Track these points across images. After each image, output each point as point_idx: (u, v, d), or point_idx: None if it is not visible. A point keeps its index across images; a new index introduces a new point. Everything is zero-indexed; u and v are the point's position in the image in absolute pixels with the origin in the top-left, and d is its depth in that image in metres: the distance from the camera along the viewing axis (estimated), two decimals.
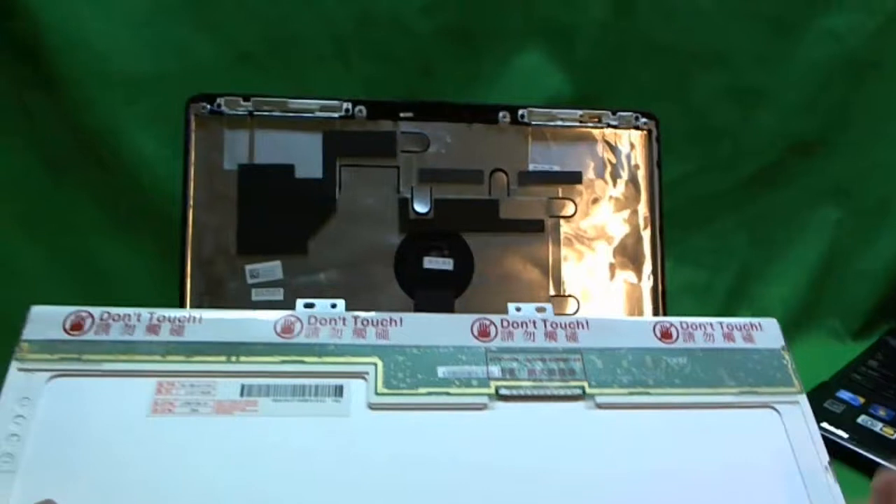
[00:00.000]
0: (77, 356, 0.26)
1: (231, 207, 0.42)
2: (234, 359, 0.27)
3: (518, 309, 0.31)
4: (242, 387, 0.26)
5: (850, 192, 0.61)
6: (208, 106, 0.42)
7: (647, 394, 0.29)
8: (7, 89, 0.46)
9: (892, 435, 0.49)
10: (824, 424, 0.50)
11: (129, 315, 0.27)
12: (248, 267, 0.42)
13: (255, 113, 0.42)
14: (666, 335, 0.31)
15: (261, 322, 0.28)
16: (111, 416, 0.25)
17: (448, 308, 0.44)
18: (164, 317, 0.27)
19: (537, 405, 0.28)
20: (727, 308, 0.60)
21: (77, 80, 0.46)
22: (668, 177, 0.47)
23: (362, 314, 0.29)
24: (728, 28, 0.54)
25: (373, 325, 0.29)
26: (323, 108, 0.43)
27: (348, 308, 0.29)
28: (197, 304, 0.41)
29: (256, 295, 0.42)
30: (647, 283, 0.46)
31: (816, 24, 0.55)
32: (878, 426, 0.50)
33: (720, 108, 0.56)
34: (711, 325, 0.31)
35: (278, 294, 0.42)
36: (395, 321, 0.29)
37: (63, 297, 0.47)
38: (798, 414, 0.29)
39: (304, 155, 0.43)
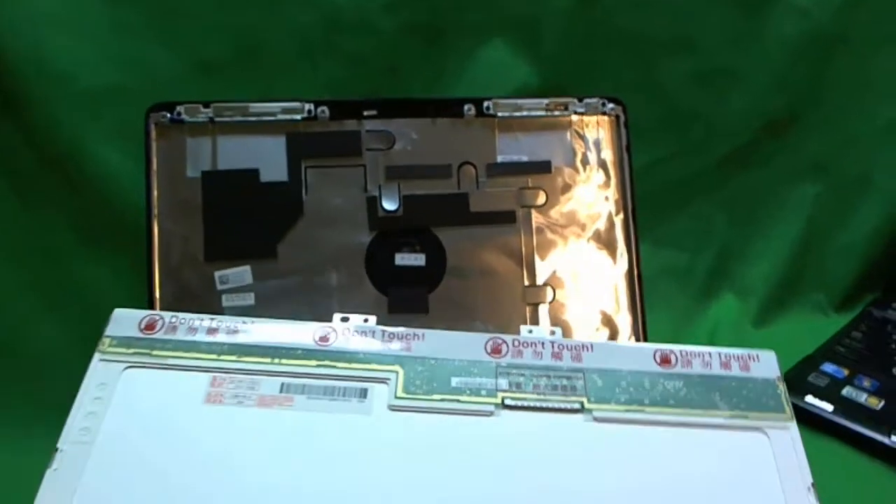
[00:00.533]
0: (148, 351, 0.31)
1: (197, 215, 0.42)
2: (276, 360, 0.31)
3: (530, 331, 0.34)
4: (282, 384, 0.31)
5: (826, 168, 0.60)
6: (168, 115, 0.42)
7: (643, 411, 0.31)
8: None
9: (876, 405, 0.49)
10: (809, 398, 0.50)
11: (193, 319, 0.32)
12: (217, 273, 0.42)
13: (217, 119, 0.42)
14: (665, 361, 0.33)
15: (302, 330, 0.33)
16: (173, 403, 0.30)
17: (422, 304, 0.43)
18: (222, 321, 0.32)
19: (539, 415, 0.31)
20: (708, 289, 0.60)
21: (39, 100, 0.45)
22: (642, 162, 0.47)
23: (389, 329, 0.33)
24: (694, 11, 0.54)
25: (398, 338, 0.33)
26: (285, 111, 0.42)
27: (376, 318, 0.34)
28: None
29: (227, 301, 0.42)
30: (622, 268, 0.46)
31: (782, 1, 0.55)
32: (862, 397, 0.50)
33: (691, 92, 0.56)
34: (710, 353, 0.33)
35: (249, 299, 0.42)
36: (418, 336, 0.33)
37: (36, 317, 0.48)
38: (787, 438, 0.31)
39: (268, 158, 0.42)
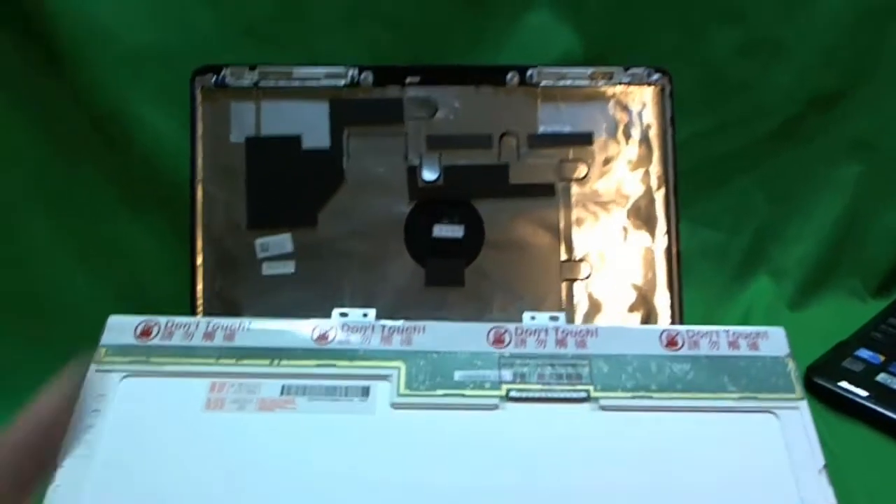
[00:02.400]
0: (145, 359, 0.30)
1: (240, 181, 0.42)
2: (276, 362, 0.30)
3: (532, 318, 0.33)
4: (283, 387, 0.30)
5: (871, 147, 0.59)
6: (214, 78, 0.41)
7: (650, 397, 0.30)
8: (17, 72, 0.46)
9: None
10: (843, 383, 0.49)
11: (189, 324, 0.31)
12: (258, 241, 0.42)
13: (261, 83, 0.42)
14: (672, 343, 0.32)
15: (300, 330, 0.32)
16: (172, 411, 0.29)
17: (459, 276, 0.43)
18: (218, 325, 0.31)
19: (544, 406, 0.30)
20: (744, 269, 0.59)
21: (83, 60, 0.45)
22: (683, 136, 0.46)
23: (389, 323, 0.32)
24: None
25: (398, 332, 0.32)
26: (328, 76, 0.42)
27: (375, 311, 0.33)
28: (208, 281, 0.42)
29: (267, 269, 0.42)
30: (660, 245, 0.45)
31: None
32: None
33: (736, 64, 0.54)
34: (717, 333, 0.32)
35: (289, 267, 0.42)
36: (419, 329, 0.32)
37: (77, 278, 0.49)
38: (797, 418, 0.30)
39: (310, 125, 0.42)
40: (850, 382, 0.50)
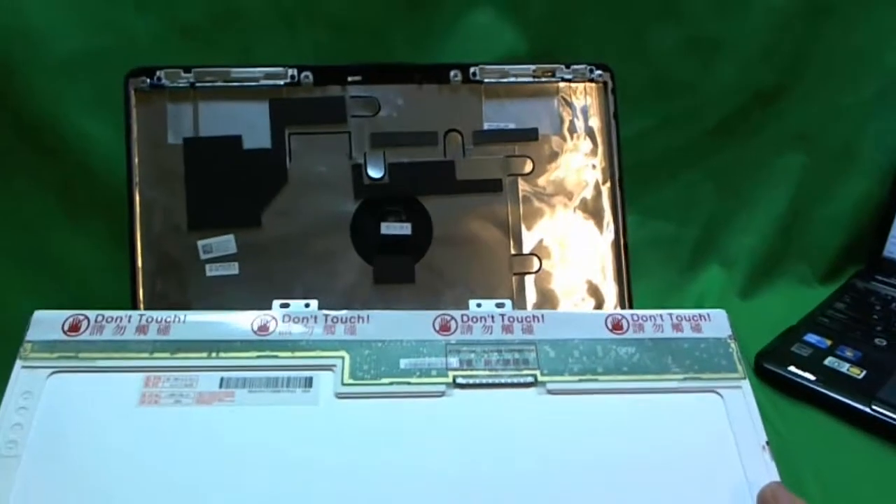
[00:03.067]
0: (74, 354, 0.29)
1: (179, 183, 0.41)
2: (214, 354, 0.30)
3: (479, 305, 0.33)
4: (221, 379, 0.29)
5: (812, 139, 0.60)
6: (148, 80, 0.41)
7: (596, 380, 0.31)
8: None
9: (858, 375, 0.50)
10: (792, 368, 0.50)
11: (121, 317, 0.30)
12: (200, 242, 0.41)
13: (198, 84, 0.41)
14: (617, 327, 0.33)
15: (239, 321, 0.31)
16: (104, 407, 0.28)
17: (408, 273, 0.43)
18: (151, 318, 0.30)
19: (492, 392, 0.30)
20: (694, 260, 0.60)
21: (12, 66, 0.44)
22: (630, 131, 0.46)
23: (332, 312, 0.32)
24: None
25: (342, 321, 0.31)
26: (268, 76, 0.41)
27: (318, 301, 0.33)
28: (150, 285, 0.41)
29: (211, 271, 0.41)
30: (609, 237, 0.45)
31: None
32: (844, 367, 0.51)
33: (679, 60, 0.55)
34: (661, 316, 0.33)
35: (233, 268, 0.41)
36: (363, 318, 0.32)
37: (16, 289, 0.47)
38: (740, 397, 0.31)
39: (251, 125, 0.42)
40: (799, 367, 0.50)
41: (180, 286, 0.41)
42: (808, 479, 0.43)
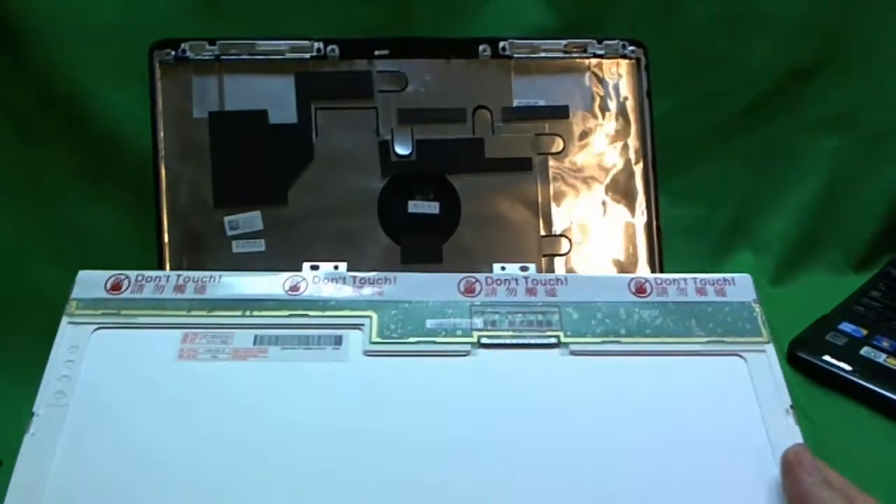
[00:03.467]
0: (116, 311, 0.31)
1: (205, 157, 0.40)
2: (248, 313, 0.31)
3: (503, 268, 0.33)
4: (255, 337, 0.30)
5: (849, 120, 0.58)
6: (173, 52, 0.40)
7: (619, 342, 0.31)
8: None
9: (895, 365, 0.48)
10: (827, 357, 0.49)
11: (160, 277, 0.32)
12: (227, 219, 0.41)
13: (223, 57, 0.40)
14: (640, 290, 0.32)
15: (272, 281, 0.32)
16: (145, 361, 0.29)
17: (436, 253, 0.42)
18: (189, 278, 0.32)
19: (515, 352, 0.31)
20: (725, 245, 0.59)
21: (38, 37, 0.44)
22: (662, 111, 0.45)
23: (360, 274, 0.32)
24: None
25: (370, 283, 0.32)
26: (294, 49, 0.41)
27: (346, 264, 0.33)
28: (177, 262, 0.40)
29: (237, 247, 0.41)
30: (640, 220, 0.44)
31: None
32: (881, 357, 0.49)
33: (714, 37, 0.54)
34: (685, 280, 0.33)
35: (260, 245, 0.41)
36: (390, 280, 0.32)
37: (41, 260, 0.47)
38: (764, 361, 0.31)
39: (276, 99, 0.41)
40: (834, 356, 0.49)
41: (206, 262, 0.40)
42: (841, 470, 0.41)
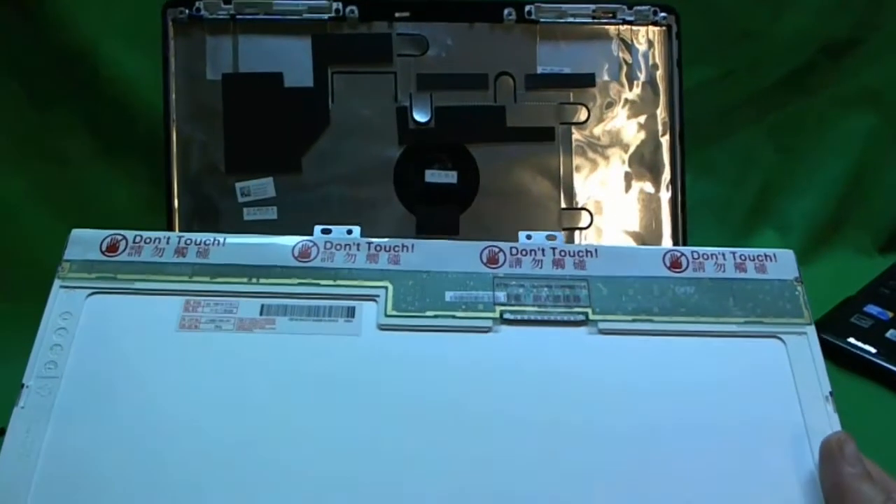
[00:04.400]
0: (113, 275, 0.28)
1: (218, 121, 0.39)
2: (254, 280, 0.29)
3: (529, 237, 0.31)
4: (262, 306, 0.28)
5: (882, 97, 0.56)
6: (187, 11, 0.39)
7: (651, 321, 0.29)
8: None
9: None
10: (851, 340, 0.48)
11: (160, 238, 0.29)
12: (238, 185, 0.40)
13: (238, 16, 0.39)
14: (675, 265, 0.31)
15: (280, 246, 0.30)
16: (143, 330, 0.28)
17: (453, 224, 0.41)
18: (190, 240, 0.29)
19: (540, 329, 0.29)
20: (749, 223, 0.57)
21: None
22: (689, 83, 0.43)
23: (375, 240, 0.30)
24: None
25: (385, 250, 0.30)
26: (311, 10, 0.39)
27: (360, 228, 0.31)
28: (186, 227, 0.39)
29: (248, 214, 0.40)
30: (665, 195, 0.43)
31: None
32: None
33: (746, 8, 0.52)
34: (724, 255, 0.31)
35: (272, 213, 0.40)
36: (407, 247, 0.30)
37: (49, 226, 0.47)
38: (804, 344, 0.29)
39: (292, 62, 0.40)
40: (859, 339, 0.48)
41: (217, 229, 0.39)
42: (867, 453, 0.40)
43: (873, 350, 0.47)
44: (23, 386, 0.26)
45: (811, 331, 0.29)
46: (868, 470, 0.25)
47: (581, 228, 0.42)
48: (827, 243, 0.58)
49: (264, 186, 0.40)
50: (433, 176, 0.41)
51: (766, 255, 0.31)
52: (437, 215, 0.41)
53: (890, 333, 0.49)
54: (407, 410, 0.27)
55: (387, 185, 0.41)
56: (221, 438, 0.26)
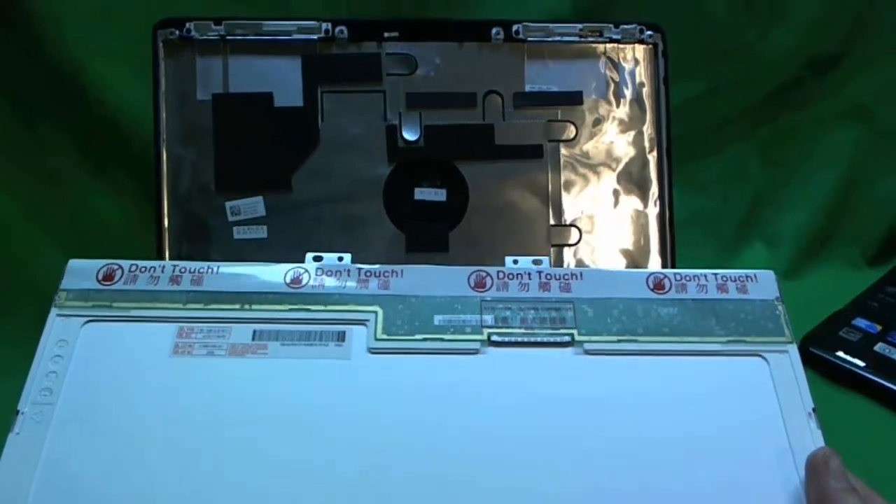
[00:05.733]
0: (108, 304, 0.29)
1: (208, 141, 0.40)
2: (247, 306, 0.29)
3: (515, 261, 0.32)
4: (254, 332, 0.29)
5: (869, 111, 0.57)
6: (177, 32, 0.39)
7: (635, 341, 0.30)
8: None
9: None
10: (840, 353, 0.48)
11: (154, 267, 0.30)
12: (228, 204, 0.40)
13: (228, 37, 0.39)
14: (659, 286, 0.31)
15: (272, 273, 0.30)
16: (137, 357, 0.28)
17: (443, 242, 0.41)
18: (185, 268, 0.30)
19: (527, 351, 0.29)
20: (737, 238, 0.58)
21: (40, 16, 0.43)
22: (677, 99, 0.44)
23: (366, 266, 0.31)
24: None
25: (375, 276, 0.31)
26: (301, 30, 0.39)
27: (351, 255, 0.32)
28: (176, 246, 0.40)
29: (238, 233, 0.40)
30: (653, 210, 0.43)
31: None
32: None
33: (732, 24, 0.52)
34: (706, 276, 0.32)
35: (261, 232, 0.40)
36: (397, 273, 0.31)
37: (40, 245, 0.47)
38: (786, 362, 0.30)
39: (282, 82, 0.40)
40: (847, 352, 0.48)
41: (207, 248, 0.40)
42: (854, 467, 0.40)
43: (862, 363, 0.47)
44: (17, 412, 0.26)
45: (793, 349, 0.30)
46: (853, 484, 0.26)
47: (570, 245, 0.43)
48: (816, 256, 0.59)
49: (254, 205, 0.40)
50: (422, 194, 0.41)
51: (747, 276, 0.32)
52: (427, 233, 0.41)
53: (879, 347, 0.49)
54: (397, 433, 0.27)
55: (376, 204, 0.41)
56: (213, 462, 0.26)
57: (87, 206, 0.47)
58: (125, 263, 0.30)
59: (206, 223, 0.40)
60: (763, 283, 0.31)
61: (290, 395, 0.28)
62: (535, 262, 0.32)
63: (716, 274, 0.31)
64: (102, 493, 0.25)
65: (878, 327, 0.51)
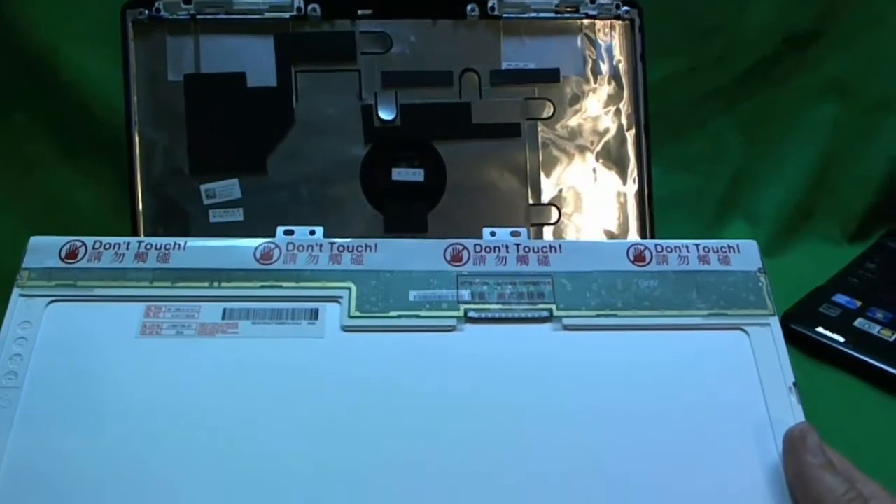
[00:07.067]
0: (72, 283, 0.28)
1: (181, 123, 0.39)
2: (216, 284, 0.29)
3: (493, 234, 0.31)
4: (224, 310, 0.28)
5: (848, 88, 0.57)
6: (146, 11, 0.38)
7: (615, 316, 0.29)
8: None
9: (890, 337, 0.48)
10: (820, 329, 0.48)
11: (119, 244, 0.29)
12: (203, 187, 0.39)
13: (199, 16, 0.39)
14: (639, 258, 0.31)
15: (242, 249, 0.29)
16: (104, 338, 0.27)
17: (421, 222, 0.41)
18: (151, 245, 0.29)
19: (505, 327, 0.29)
20: (718, 215, 0.58)
21: (10, 1, 0.42)
22: (656, 76, 0.44)
23: (338, 240, 0.30)
24: None
25: (348, 250, 0.30)
26: (273, 8, 0.39)
27: (323, 228, 0.31)
28: (151, 230, 0.39)
29: (214, 216, 0.39)
30: (632, 188, 0.43)
31: None
32: (875, 329, 0.48)
33: (710, 1, 0.52)
34: (687, 247, 0.31)
35: (238, 214, 0.40)
36: (370, 247, 0.30)
37: (15, 229, 0.46)
38: (768, 336, 0.29)
39: (255, 61, 0.39)
40: (827, 328, 0.48)
41: (183, 232, 0.39)
42: (835, 443, 0.41)
43: (842, 339, 0.48)
44: None
45: (774, 322, 0.29)
46: (831, 460, 0.26)
47: (549, 224, 0.42)
48: (796, 233, 0.59)
49: (230, 188, 0.39)
50: (400, 174, 0.41)
51: (729, 247, 0.31)
52: (405, 213, 0.41)
53: (858, 322, 0.49)
54: (371, 413, 0.26)
55: (353, 184, 0.41)
56: (183, 444, 0.25)
57: (61, 191, 0.46)
58: (88, 240, 0.29)
59: (181, 207, 0.39)
60: (746, 254, 0.31)
61: (261, 375, 0.27)
62: (514, 234, 0.31)
63: (697, 244, 0.31)
64: (70, 474, 0.25)
65: (858, 303, 0.51)
